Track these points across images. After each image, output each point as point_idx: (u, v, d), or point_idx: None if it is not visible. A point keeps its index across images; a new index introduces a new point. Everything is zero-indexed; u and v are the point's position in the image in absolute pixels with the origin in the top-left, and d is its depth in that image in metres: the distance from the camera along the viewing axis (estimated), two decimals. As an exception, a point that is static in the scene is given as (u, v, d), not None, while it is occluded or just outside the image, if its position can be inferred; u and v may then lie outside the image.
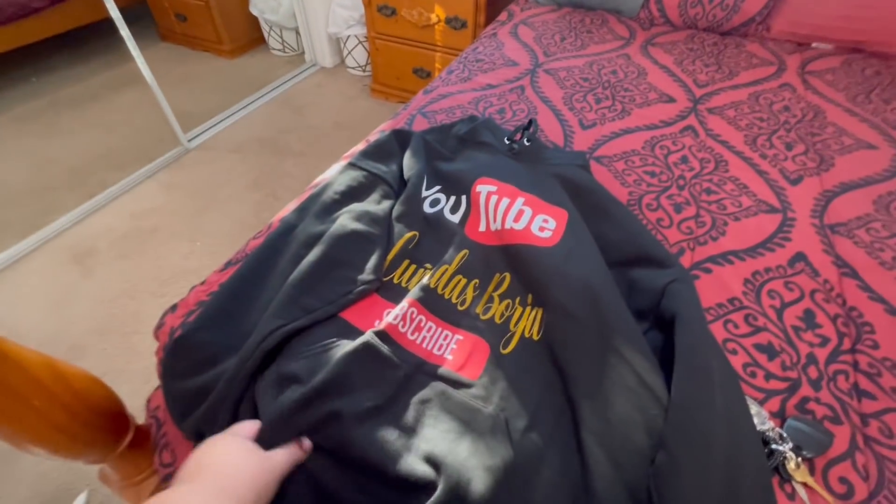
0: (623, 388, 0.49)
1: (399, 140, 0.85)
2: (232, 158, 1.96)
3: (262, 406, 0.49)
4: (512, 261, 0.63)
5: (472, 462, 0.43)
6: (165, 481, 0.65)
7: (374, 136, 0.98)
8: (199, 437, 0.57)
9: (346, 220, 0.65)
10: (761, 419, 0.52)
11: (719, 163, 0.91)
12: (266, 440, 0.43)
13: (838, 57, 1.27)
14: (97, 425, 0.57)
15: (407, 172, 0.77)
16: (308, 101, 2.33)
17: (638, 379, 0.49)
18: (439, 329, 0.57)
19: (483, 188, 0.70)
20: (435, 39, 1.94)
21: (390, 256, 0.64)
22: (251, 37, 2.74)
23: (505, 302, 0.60)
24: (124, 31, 1.69)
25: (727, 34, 1.41)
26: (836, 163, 0.91)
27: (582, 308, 0.54)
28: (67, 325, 1.32)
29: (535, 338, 0.56)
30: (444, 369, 0.53)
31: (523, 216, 0.66)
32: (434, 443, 0.45)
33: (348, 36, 2.34)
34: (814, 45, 1.35)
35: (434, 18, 1.87)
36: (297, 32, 2.60)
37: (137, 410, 0.70)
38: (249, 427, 0.44)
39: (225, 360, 0.55)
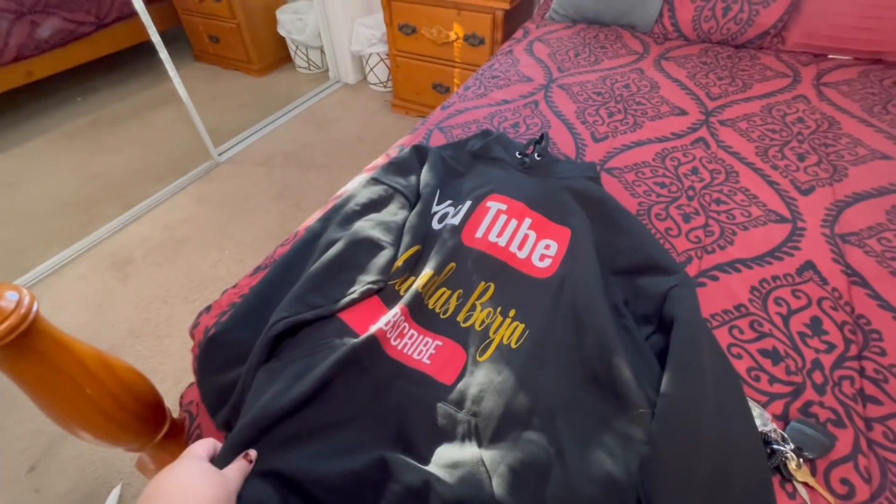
0: (600, 408, 0.51)
1: (418, 155, 0.90)
2: (259, 171, 2.05)
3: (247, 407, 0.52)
4: (501, 276, 0.65)
5: (440, 462, 0.46)
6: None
7: (393, 151, 1.04)
8: (228, 427, 0.62)
9: (362, 226, 0.70)
10: (763, 420, 0.53)
11: (730, 174, 0.93)
12: (231, 454, 0.45)
13: (856, 68, 1.27)
14: (139, 414, 0.62)
15: (423, 187, 0.82)
16: (331, 117, 2.43)
17: (618, 397, 0.51)
18: (420, 336, 0.60)
19: (493, 205, 0.74)
20: (454, 56, 2.01)
21: (395, 266, 0.67)
22: (279, 56, 2.88)
23: (486, 310, 0.62)
24: (163, 52, 1.81)
25: (741, 47, 1.43)
26: (849, 173, 0.91)
27: (564, 330, 0.58)
28: (107, 328, 1.41)
29: (514, 346, 0.58)
30: (421, 373, 0.55)
31: (527, 242, 0.69)
32: (408, 445, 0.48)
33: (370, 54, 2.44)
34: (830, 56, 1.35)
35: (453, 36, 1.94)
36: (322, 51, 2.72)
37: (170, 408, 0.75)
38: (204, 448, 0.44)
39: (253, 358, 0.60)
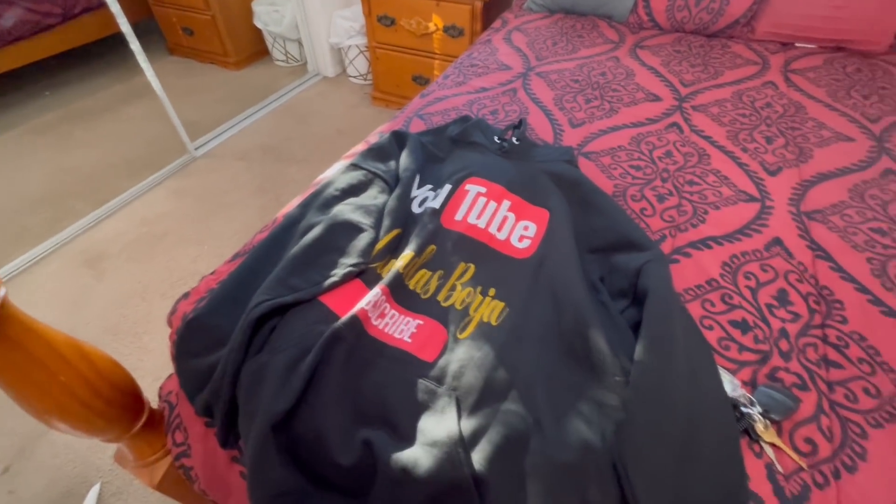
0: (577, 380, 0.53)
1: (398, 141, 0.90)
2: (237, 166, 2.02)
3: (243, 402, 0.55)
4: (482, 257, 0.66)
5: (422, 440, 0.47)
6: (177, 461, 0.70)
7: (373, 138, 1.03)
8: (207, 411, 0.62)
9: (342, 209, 0.70)
10: (733, 387, 0.55)
11: (702, 156, 0.95)
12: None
13: (821, 56, 1.31)
14: (116, 402, 0.61)
15: (402, 171, 0.82)
16: (311, 110, 2.40)
17: (594, 367, 0.53)
18: (401, 316, 0.60)
19: (472, 188, 0.75)
20: (433, 47, 2.01)
21: (377, 249, 0.68)
22: (255, 49, 2.83)
23: (467, 290, 0.63)
24: (135, 45, 1.76)
25: (713, 36, 1.46)
26: (814, 154, 0.95)
27: (543, 307, 0.59)
28: (82, 326, 1.38)
29: (494, 323, 0.59)
30: (402, 352, 0.56)
31: (506, 224, 0.70)
32: (392, 423, 0.50)
33: (349, 46, 2.42)
34: (797, 44, 1.39)
35: (432, 27, 1.94)
36: (300, 43, 2.68)
37: (150, 403, 0.74)
38: None
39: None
